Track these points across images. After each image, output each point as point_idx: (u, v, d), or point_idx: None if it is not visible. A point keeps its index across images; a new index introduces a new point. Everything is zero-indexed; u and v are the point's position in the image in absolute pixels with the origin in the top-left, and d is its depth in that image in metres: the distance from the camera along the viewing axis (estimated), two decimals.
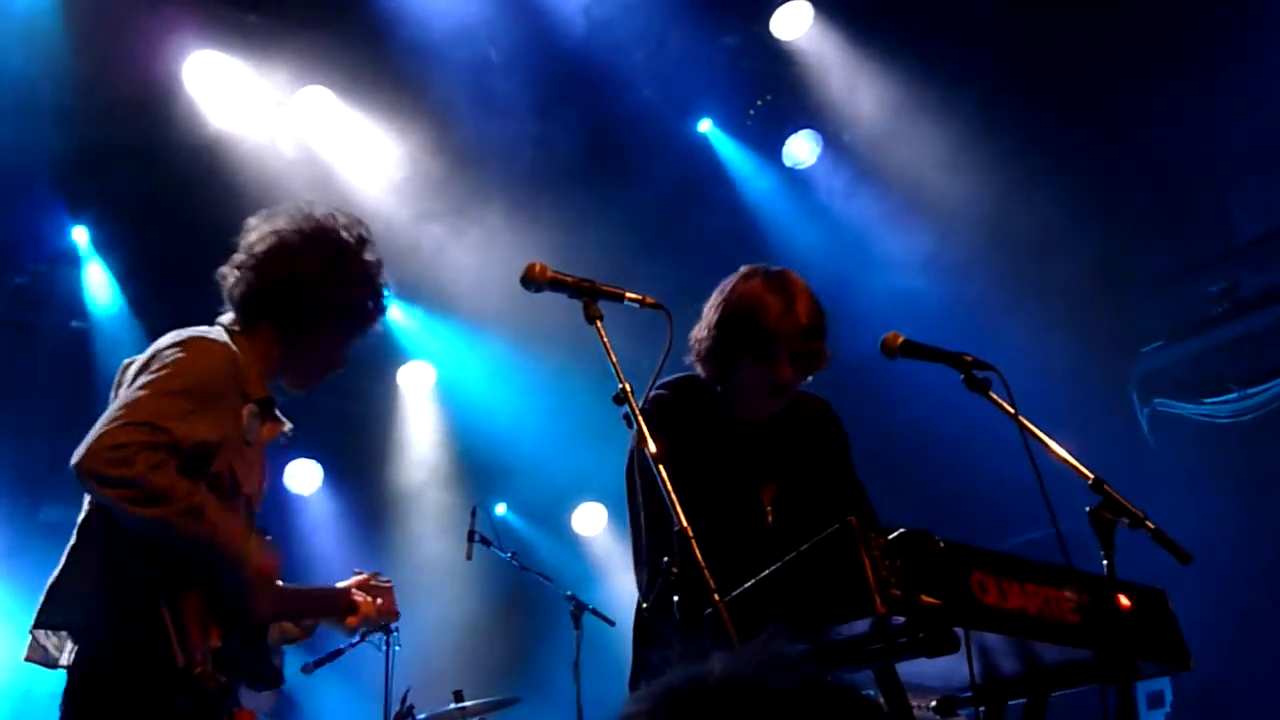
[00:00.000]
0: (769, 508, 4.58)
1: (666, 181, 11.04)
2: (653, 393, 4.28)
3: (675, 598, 3.46)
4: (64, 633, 4.05)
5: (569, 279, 3.95)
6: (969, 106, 10.02)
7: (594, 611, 8.64)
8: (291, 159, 9.87)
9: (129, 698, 3.90)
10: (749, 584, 3.70)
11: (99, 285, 10.36)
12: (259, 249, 4.41)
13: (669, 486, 3.52)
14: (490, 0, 9.59)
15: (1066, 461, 4.04)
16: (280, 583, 4.45)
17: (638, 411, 3.70)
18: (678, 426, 4.41)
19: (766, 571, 3.69)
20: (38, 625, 4.04)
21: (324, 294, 4.38)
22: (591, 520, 12.37)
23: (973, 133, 10.02)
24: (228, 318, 4.41)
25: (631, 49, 10.00)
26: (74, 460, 3.80)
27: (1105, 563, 3.84)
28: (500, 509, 12.08)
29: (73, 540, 4.10)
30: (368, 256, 4.51)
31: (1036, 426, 4.11)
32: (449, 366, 11.90)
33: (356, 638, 7.98)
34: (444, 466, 12.07)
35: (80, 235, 10.18)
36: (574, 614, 8.53)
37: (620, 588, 10.68)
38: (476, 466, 11.88)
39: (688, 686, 1.63)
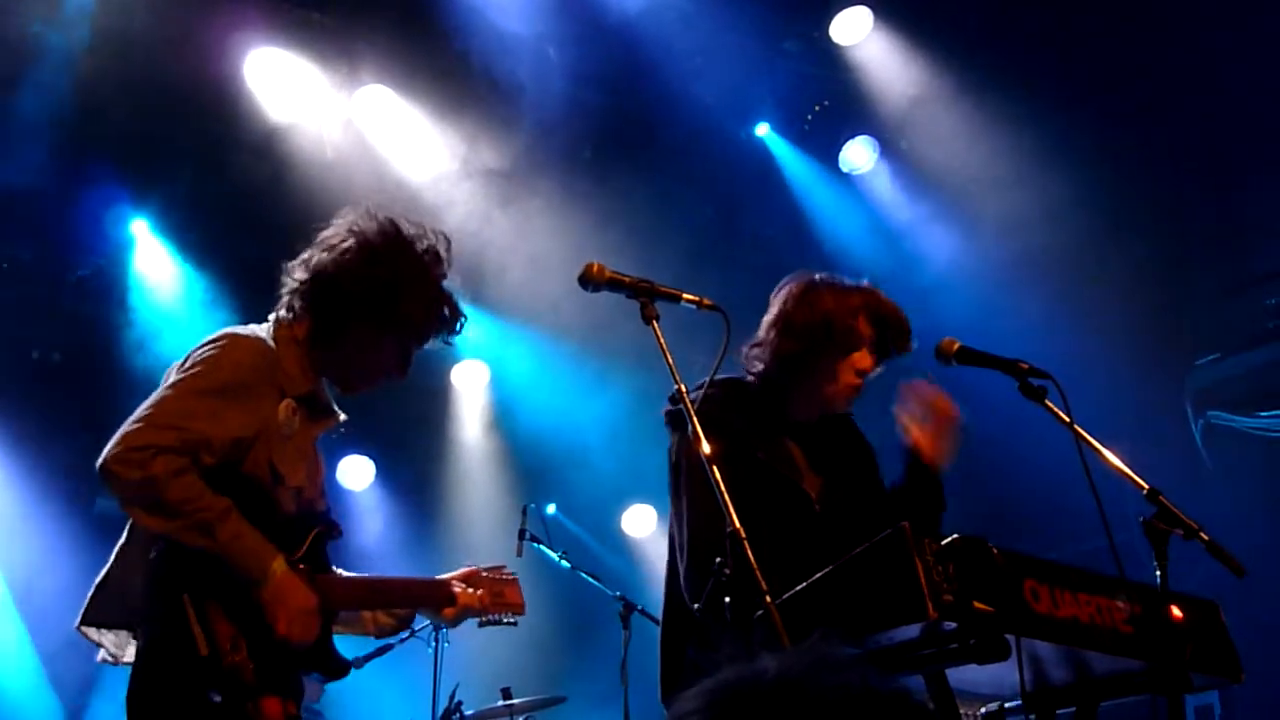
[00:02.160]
0: (816, 501, 4.59)
1: (723, 185, 11.06)
2: (702, 391, 4.29)
3: (727, 599, 3.46)
4: (123, 631, 4.08)
5: (627, 279, 3.95)
6: (1028, 113, 9.97)
7: (643, 612, 8.64)
8: (350, 154, 9.92)
9: (166, 695, 3.89)
10: (801, 586, 3.70)
11: (160, 278, 10.45)
12: (324, 248, 4.39)
13: (723, 488, 3.52)
14: (550, 2, 9.61)
15: (1122, 471, 4.03)
16: (345, 574, 4.45)
17: (693, 413, 3.70)
18: (728, 423, 4.42)
19: (819, 574, 3.69)
20: (82, 622, 4.07)
21: (377, 299, 4.32)
22: (641, 522, 12.40)
23: (1032, 139, 9.97)
24: (280, 313, 4.39)
25: (690, 53, 10.00)
26: (99, 461, 3.80)
27: (1159, 573, 3.83)
28: (551, 509, 12.09)
29: (122, 538, 4.13)
30: (434, 271, 4.47)
31: (1091, 436, 4.09)
32: (502, 365, 11.94)
33: (405, 632, 8.04)
34: (496, 465, 12.11)
35: (141, 228, 10.27)
36: (623, 614, 8.55)
37: None
38: (528, 465, 11.91)
39: (742, 684, 1.64)
